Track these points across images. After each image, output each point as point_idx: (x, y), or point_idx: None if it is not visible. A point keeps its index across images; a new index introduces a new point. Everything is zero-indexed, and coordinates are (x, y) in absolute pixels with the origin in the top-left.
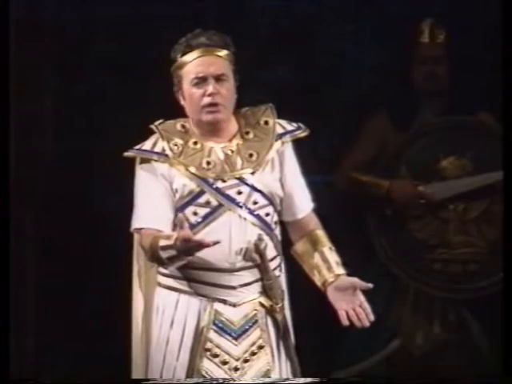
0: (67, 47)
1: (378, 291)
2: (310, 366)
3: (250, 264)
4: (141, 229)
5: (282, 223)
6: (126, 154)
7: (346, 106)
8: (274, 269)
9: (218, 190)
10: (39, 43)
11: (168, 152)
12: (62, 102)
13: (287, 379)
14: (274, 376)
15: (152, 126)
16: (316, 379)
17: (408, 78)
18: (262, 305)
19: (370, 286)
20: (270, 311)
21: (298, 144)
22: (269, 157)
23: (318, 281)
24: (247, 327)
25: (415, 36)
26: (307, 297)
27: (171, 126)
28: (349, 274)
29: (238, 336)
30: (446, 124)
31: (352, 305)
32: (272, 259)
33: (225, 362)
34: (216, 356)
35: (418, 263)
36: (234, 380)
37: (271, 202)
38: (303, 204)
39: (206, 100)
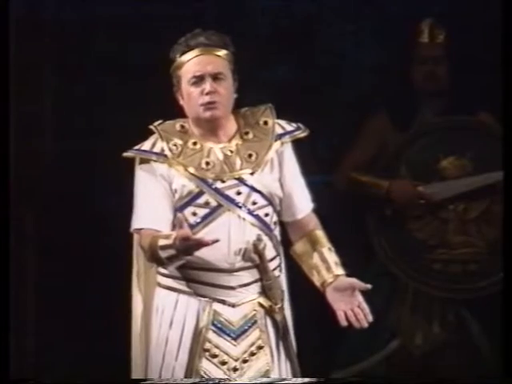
0: (67, 47)
1: (378, 291)
2: (309, 366)
3: (249, 264)
4: (140, 229)
5: (282, 223)
6: (125, 154)
7: (346, 106)
8: (274, 269)
9: (217, 190)
10: (39, 43)
11: (167, 152)
12: (61, 102)
13: (287, 379)
14: (274, 376)
15: (151, 127)
16: (316, 379)
17: (408, 78)
18: (261, 305)
19: (369, 286)
20: (269, 312)
21: (297, 144)
22: (268, 157)
23: (316, 281)
24: (246, 327)
25: (415, 36)
26: (307, 297)
27: (170, 126)
28: (348, 274)
29: (237, 336)
30: (446, 124)
31: (350, 305)
32: (271, 259)
33: (224, 363)
34: (215, 356)
35: (418, 263)
36: (233, 380)
37: (270, 203)
38: (303, 204)
39: (204, 98)
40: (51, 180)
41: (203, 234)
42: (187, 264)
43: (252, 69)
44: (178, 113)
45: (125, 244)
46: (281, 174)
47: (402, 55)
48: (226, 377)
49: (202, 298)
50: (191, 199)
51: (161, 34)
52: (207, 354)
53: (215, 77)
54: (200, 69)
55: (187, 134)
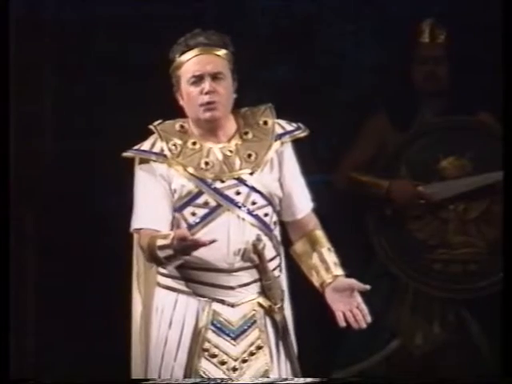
0: (67, 47)
1: (377, 291)
2: (309, 366)
3: (248, 264)
4: (140, 229)
5: (282, 223)
6: (125, 154)
7: (346, 106)
8: (274, 269)
9: (216, 190)
10: (39, 43)
11: (166, 152)
12: (61, 102)
13: (286, 379)
14: (273, 376)
15: (151, 127)
16: (316, 379)
17: (408, 78)
18: (260, 305)
19: (368, 287)
20: (268, 312)
21: (297, 144)
22: (268, 157)
23: (316, 281)
24: (246, 327)
25: (415, 36)
26: (307, 297)
27: (170, 126)
28: (348, 275)
29: (236, 336)
30: (446, 124)
31: (349, 306)
32: (271, 259)
33: (223, 362)
34: (214, 356)
35: (418, 263)
36: (233, 380)
37: (270, 203)
38: (302, 204)
39: (204, 98)
40: (51, 180)
41: (202, 234)
42: (187, 264)
43: (252, 69)
44: (178, 113)
45: (125, 244)
46: (280, 174)
47: (402, 55)
48: (226, 377)
49: (202, 298)
50: (190, 199)
51: (161, 33)
52: (206, 353)
53: (214, 76)
54: (199, 68)
55: (187, 134)
